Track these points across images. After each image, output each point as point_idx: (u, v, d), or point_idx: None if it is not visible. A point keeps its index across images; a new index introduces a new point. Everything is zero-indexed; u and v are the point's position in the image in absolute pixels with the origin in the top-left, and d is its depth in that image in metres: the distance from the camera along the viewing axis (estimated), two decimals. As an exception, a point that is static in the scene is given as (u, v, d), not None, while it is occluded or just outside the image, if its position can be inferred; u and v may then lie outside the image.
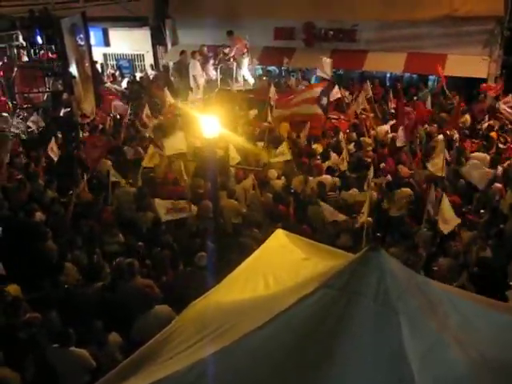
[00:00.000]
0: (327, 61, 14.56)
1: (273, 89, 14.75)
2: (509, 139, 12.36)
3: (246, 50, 16.88)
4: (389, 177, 10.42)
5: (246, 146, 11.63)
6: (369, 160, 11.33)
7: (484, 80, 16.47)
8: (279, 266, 4.53)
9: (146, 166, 11.04)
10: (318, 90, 13.56)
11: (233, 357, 3.42)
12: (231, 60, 17.15)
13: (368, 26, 17.84)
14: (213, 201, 7.47)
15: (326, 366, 3.23)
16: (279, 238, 5.12)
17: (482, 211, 9.01)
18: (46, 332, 6.41)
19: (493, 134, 12.53)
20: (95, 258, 7.92)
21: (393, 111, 14.86)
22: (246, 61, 17.04)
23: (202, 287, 5.00)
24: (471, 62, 16.25)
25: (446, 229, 8.12)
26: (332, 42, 18.63)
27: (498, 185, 9.61)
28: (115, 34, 22.06)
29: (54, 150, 11.83)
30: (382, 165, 11.13)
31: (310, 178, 10.40)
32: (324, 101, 13.60)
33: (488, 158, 11.00)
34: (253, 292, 4.16)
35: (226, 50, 16.74)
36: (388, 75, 19.35)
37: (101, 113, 15.75)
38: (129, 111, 15.03)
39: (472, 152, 11.42)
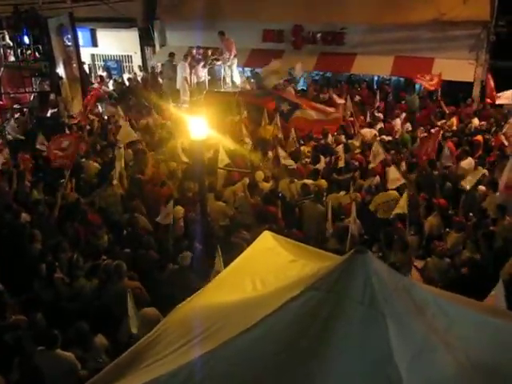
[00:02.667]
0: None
1: (291, 90, 14.89)
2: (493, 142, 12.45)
3: (235, 52, 16.86)
4: (377, 178, 10.43)
5: (235, 148, 11.60)
6: (356, 163, 11.34)
7: (471, 84, 16.61)
8: (266, 268, 4.49)
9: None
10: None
11: (219, 360, 3.38)
12: (220, 61, 17.10)
13: (356, 29, 17.95)
14: (200, 203, 7.43)
15: (313, 369, 3.20)
16: (266, 240, 5.09)
17: (470, 214, 9.04)
18: (31, 334, 6.33)
19: (479, 137, 12.59)
20: (74, 257, 7.83)
21: (380, 114, 14.90)
22: (235, 62, 17.02)
23: (188, 286, 4.96)
24: (458, 66, 16.37)
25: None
26: (320, 44, 18.77)
27: (483, 187, 9.67)
28: (103, 35, 22.00)
29: (43, 144, 11.78)
30: (371, 166, 11.15)
31: (296, 181, 10.40)
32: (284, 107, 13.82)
33: (473, 162, 11.04)
34: (240, 294, 4.12)
35: (223, 54, 16.61)
36: (376, 78, 19.43)
37: (85, 113, 15.60)
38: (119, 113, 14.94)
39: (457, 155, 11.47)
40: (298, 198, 10.04)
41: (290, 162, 11.12)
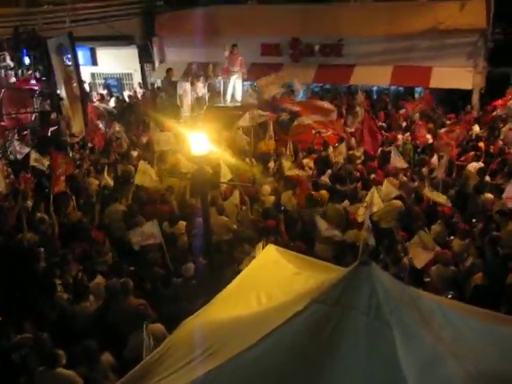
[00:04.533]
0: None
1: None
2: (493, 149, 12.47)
3: (243, 66, 16.98)
4: (379, 189, 10.42)
5: (236, 162, 11.61)
6: (358, 173, 11.36)
7: (469, 92, 16.66)
8: (271, 282, 4.50)
9: (138, 183, 10.97)
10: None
11: (227, 375, 3.38)
12: (220, 77, 17.20)
13: (354, 40, 18.01)
14: (203, 218, 7.43)
15: (320, 382, 3.19)
16: (270, 253, 5.09)
17: (473, 220, 9.03)
18: (36, 353, 6.32)
19: (481, 144, 12.63)
20: (79, 275, 7.84)
21: (381, 124, 14.92)
22: (241, 76, 17.12)
23: (192, 298, 4.95)
24: (456, 74, 16.43)
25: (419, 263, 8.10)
26: (318, 56, 18.85)
27: (489, 194, 9.66)
28: (103, 53, 22.11)
29: (38, 161, 11.78)
30: (372, 176, 11.16)
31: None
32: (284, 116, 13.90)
33: (478, 167, 11.07)
34: (245, 309, 4.12)
35: (229, 68, 16.71)
36: (375, 88, 19.51)
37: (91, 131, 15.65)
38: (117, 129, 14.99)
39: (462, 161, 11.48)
40: (301, 209, 10.04)
41: (296, 172, 11.14)
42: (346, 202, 10.05)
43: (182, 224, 9.46)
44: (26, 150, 13.59)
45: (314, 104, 14.55)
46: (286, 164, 11.31)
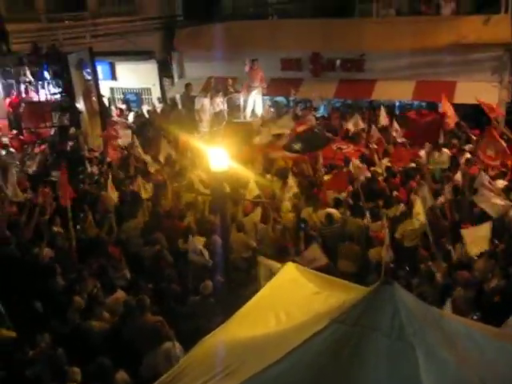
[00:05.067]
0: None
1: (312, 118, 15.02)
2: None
3: (263, 81, 17.10)
4: (402, 206, 10.38)
5: (256, 178, 11.61)
6: (380, 190, 11.31)
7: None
8: (290, 301, 4.48)
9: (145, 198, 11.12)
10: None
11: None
12: (241, 92, 17.32)
13: (376, 55, 17.99)
14: (222, 235, 7.47)
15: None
16: (290, 271, 5.08)
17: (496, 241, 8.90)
18: (50, 370, 6.34)
19: (508, 161, 12.45)
20: (94, 291, 7.88)
21: (403, 140, 14.84)
22: (261, 92, 17.25)
23: (211, 316, 4.94)
24: (481, 89, 16.29)
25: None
26: (339, 71, 18.84)
27: (513, 213, 9.52)
28: (122, 68, 22.39)
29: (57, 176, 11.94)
30: (395, 193, 11.10)
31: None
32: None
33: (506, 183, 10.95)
34: (264, 328, 4.10)
35: (249, 83, 16.85)
36: (397, 103, 19.44)
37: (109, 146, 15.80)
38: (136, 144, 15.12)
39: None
40: (321, 227, 10.03)
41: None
42: (368, 220, 10.02)
43: (200, 240, 9.50)
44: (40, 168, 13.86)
45: None
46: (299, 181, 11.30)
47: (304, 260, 8.33)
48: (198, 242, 9.42)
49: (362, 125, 15.22)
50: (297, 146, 12.73)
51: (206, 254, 8.84)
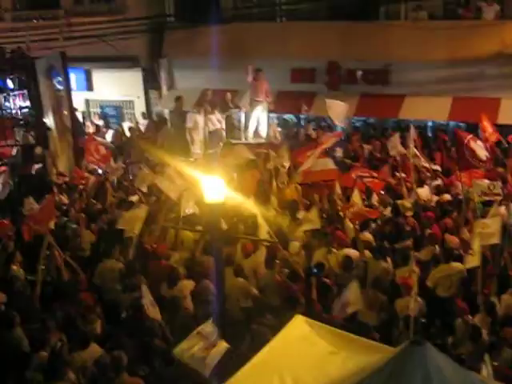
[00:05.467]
0: (340, 104, 15.03)
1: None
2: None
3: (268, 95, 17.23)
4: (435, 248, 10.39)
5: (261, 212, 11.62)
6: (409, 228, 11.33)
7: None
8: (299, 362, 4.47)
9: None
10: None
11: None
12: (241, 108, 17.47)
13: (404, 65, 18.14)
14: (216, 280, 7.46)
15: None
16: (299, 326, 5.08)
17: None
18: None
19: None
20: (57, 346, 7.84)
21: (437, 168, 14.92)
22: (265, 108, 17.36)
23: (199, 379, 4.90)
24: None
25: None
26: (361, 84, 18.99)
27: None
28: (100, 77, 22.63)
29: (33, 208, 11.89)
30: (428, 231, 11.11)
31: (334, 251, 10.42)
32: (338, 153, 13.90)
33: None
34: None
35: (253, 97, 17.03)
36: (430, 124, 19.53)
37: (81, 171, 15.85)
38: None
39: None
40: (338, 272, 10.02)
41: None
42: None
43: (187, 285, 9.47)
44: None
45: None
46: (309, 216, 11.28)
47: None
48: (186, 287, 9.42)
49: (401, 149, 15.16)
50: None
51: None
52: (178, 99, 18.54)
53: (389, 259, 10.13)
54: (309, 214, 11.24)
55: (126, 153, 17.96)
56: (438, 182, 14.06)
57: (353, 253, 10.33)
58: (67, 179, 15.56)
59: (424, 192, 13.32)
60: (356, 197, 11.75)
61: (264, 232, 10.64)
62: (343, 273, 9.97)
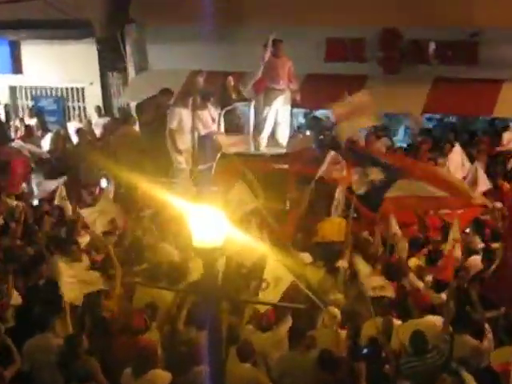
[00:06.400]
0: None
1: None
2: None
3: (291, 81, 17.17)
4: None
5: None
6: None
7: None
8: None
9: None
10: None
11: None
12: (249, 100, 17.45)
13: (500, 35, 18.24)
14: (211, 367, 7.55)
15: None
16: None
17: None
18: None
19: None
20: None
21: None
22: (282, 100, 17.26)
23: None
24: None
25: None
26: (435, 64, 19.10)
27: None
28: (33, 53, 22.80)
29: None
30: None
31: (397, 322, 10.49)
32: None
33: None
34: None
35: (278, 84, 16.97)
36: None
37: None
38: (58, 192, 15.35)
39: None
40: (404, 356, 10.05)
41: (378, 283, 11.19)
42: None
43: (162, 378, 9.51)
44: None
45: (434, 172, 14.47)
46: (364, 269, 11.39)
47: None
48: (160, 379, 9.41)
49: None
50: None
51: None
52: (165, 93, 18.02)
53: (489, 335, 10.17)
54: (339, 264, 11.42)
55: (71, 167, 18.03)
56: None
57: (427, 322, 10.37)
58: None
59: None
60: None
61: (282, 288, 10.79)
62: (413, 357, 9.97)
